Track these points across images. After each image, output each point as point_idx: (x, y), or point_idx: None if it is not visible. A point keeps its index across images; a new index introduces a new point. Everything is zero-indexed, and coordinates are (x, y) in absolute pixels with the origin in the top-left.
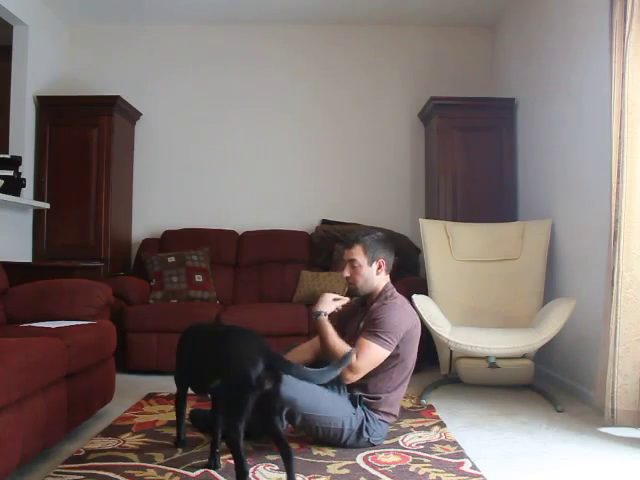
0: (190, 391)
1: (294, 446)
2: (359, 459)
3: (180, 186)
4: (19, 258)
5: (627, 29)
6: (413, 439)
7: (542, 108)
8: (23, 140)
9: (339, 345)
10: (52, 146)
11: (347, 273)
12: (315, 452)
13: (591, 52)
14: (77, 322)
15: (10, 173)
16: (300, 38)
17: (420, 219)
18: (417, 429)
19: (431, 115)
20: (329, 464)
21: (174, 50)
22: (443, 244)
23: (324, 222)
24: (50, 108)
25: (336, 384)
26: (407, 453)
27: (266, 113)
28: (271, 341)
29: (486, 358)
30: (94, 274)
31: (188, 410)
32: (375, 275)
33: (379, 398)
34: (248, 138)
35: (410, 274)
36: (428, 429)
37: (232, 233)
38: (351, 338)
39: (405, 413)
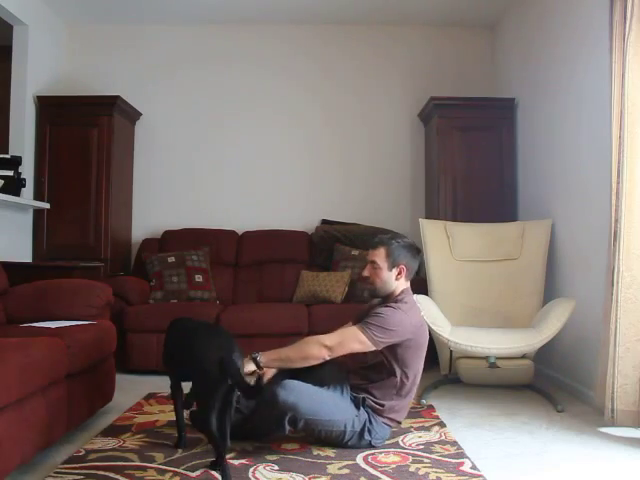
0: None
1: (294, 446)
2: (359, 459)
3: (180, 186)
4: (19, 258)
5: (627, 29)
6: (413, 439)
7: (542, 108)
8: (23, 140)
9: (296, 348)
10: (52, 146)
11: (366, 273)
12: (315, 452)
13: (591, 52)
14: (77, 322)
15: (10, 173)
16: (300, 38)
17: (420, 219)
18: (417, 429)
19: (431, 115)
20: (329, 464)
21: (174, 50)
22: (443, 244)
23: (324, 222)
24: (50, 108)
25: (339, 385)
26: (407, 453)
27: (266, 113)
28: (271, 341)
29: (486, 358)
30: (94, 274)
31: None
32: (394, 280)
33: (383, 405)
34: (248, 138)
35: None
36: (428, 429)
37: (232, 233)
38: None
39: None
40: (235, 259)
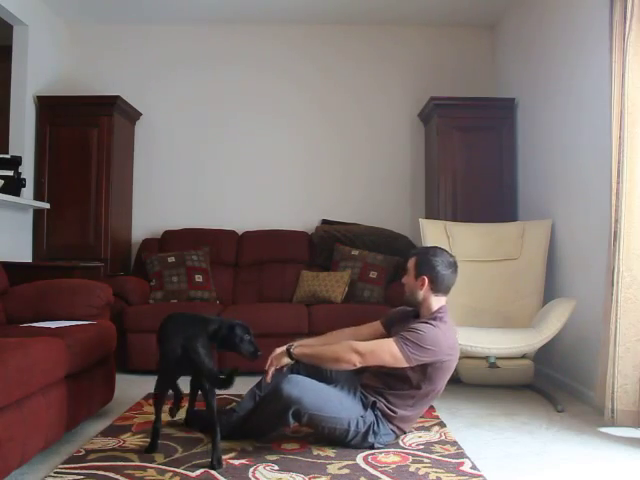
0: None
1: (294, 446)
2: (359, 459)
3: (180, 186)
4: (19, 258)
5: (627, 29)
6: (413, 439)
7: (542, 108)
8: (23, 140)
9: (329, 349)
10: (52, 146)
11: (403, 280)
12: (315, 452)
13: (591, 52)
14: (77, 322)
15: (10, 173)
16: (300, 38)
17: (420, 219)
18: (417, 429)
19: (431, 115)
20: (329, 464)
21: (174, 50)
22: (443, 244)
23: (324, 222)
24: (50, 108)
25: (347, 385)
26: (407, 453)
27: (267, 113)
28: (272, 341)
29: (486, 358)
30: (94, 274)
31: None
32: (418, 290)
33: (395, 413)
34: (248, 138)
35: None
36: (428, 429)
37: (232, 233)
38: None
39: None
40: (235, 259)
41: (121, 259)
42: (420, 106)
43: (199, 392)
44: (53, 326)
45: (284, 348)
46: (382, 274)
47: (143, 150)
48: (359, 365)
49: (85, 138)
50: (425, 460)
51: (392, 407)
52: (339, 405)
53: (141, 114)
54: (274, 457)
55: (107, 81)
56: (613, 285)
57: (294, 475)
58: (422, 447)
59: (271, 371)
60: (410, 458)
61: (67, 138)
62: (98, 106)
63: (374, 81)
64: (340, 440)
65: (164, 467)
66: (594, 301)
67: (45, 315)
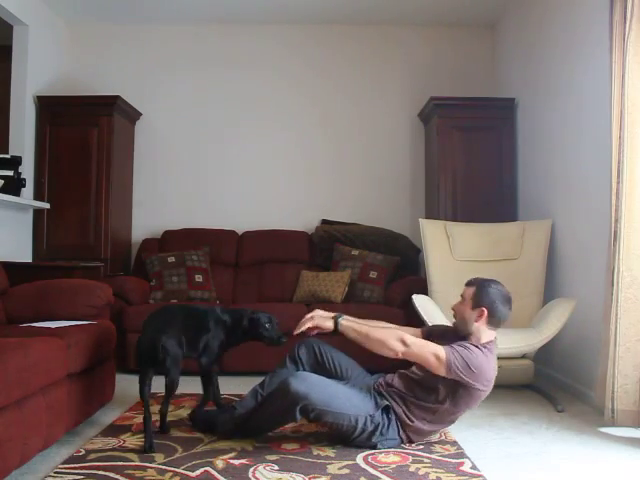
0: (190, 390)
1: (294, 446)
2: (359, 459)
3: (180, 186)
4: (19, 258)
5: (627, 29)
6: None
7: (542, 108)
8: (23, 140)
9: (377, 331)
10: (52, 146)
11: (454, 305)
12: (315, 452)
13: (591, 52)
14: (77, 322)
15: (10, 173)
16: (301, 39)
17: (420, 219)
18: None
19: (431, 115)
20: (329, 464)
21: (174, 50)
22: (443, 244)
23: (324, 222)
24: (50, 108)
25: (358, 383)
26: (407, 453)
27: (267, 113)
28: None
29: None
30: (94, 274)
31: (189, 410)
32: (473, 321)
33: (412, 422)
34: (248, 137)
35: (410, 274)
36: None
37: (232, 233)
38: None
39: None
40: (235, 259)
41: (121, 259)
42: (420, 106)
43: (211, 392)
44: (53, 326)
45: (331, 314)
46: (382, 274)
47: (143, 150)
48: (401, 356)
49: (85, 138)
50: (425, 460)
51: (410, 416)
52: (347, 402)
53: (141, 114)
54: (274, 457)
55: (107, 81)
56: (613, 285)
57: (294, 475)
58: (422, 447)
59: (307, 325)
60: (410, 458)
61: (67, 138)
62: (98, 106)
63: (374, 81)
64: (346, 436)
65: (164, 467)
66: (594, 301)
67: (45, 315)
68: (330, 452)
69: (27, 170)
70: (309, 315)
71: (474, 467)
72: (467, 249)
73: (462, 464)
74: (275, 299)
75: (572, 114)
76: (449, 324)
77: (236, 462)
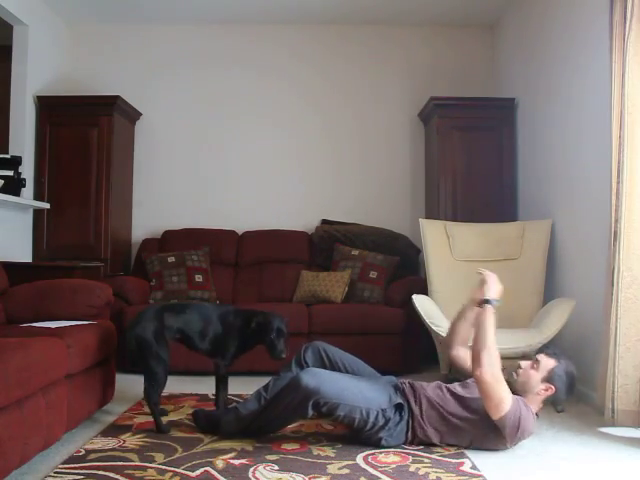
0: (190, 390)
1: (294, 446)
2: (359, 459)
3: (180, 186)
4: (19, 258)
5: (627, 29)
6: None
7: (542, 108)
8: (23, 140)
9: (491, 339)
10: (52, 146)
11: (523, 364)
12: (315, 452)
13: (591, 52)
14: (77, 322)
15: (10, 173)
16: (301, 39)
17: (420, 219)
18: None
19: (431, 115)
20: (329, 464)
21: (174, 50)
22: (443, 244)
23: (324, 222)
24: (50, 108)
25: (374, 378)
26: (407, 453)
27: (267, 113)
28: None
29: None
30: (94, 274)
31: (190, 410)
32: (535, 391)
33: (425, 426)
34: (248, 137)
35: (410, 274)
36: None
37: (232, 233)
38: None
39: None
40: (235, 259)
41: (121, 259)
42: (420, 106)
43: (222, 391)
44: (53, 326)
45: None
46: (382, 274)
47: (143, 150)
48: (478, 373)
49: (85, 138)
50: (425, 460)
51: (428, 421)
52: (359, 394)
53: (141, 114)
54: (274, 457)
55: (107, 81)
56: (613, 285)
57: (294, 475)
58: (422, 447)
59: (490, 276)
60: (410, 458)
61: (67, 138)
62: (98, 106)
63: (374, 81)
64: (357, 429)
65: (164, 467)
66: (594, 301)
67: (45, 315)
68: (330, 452)
69: (27, 170)
70: (491, 274)
71: (474, 467)
72: (467, 249)
73: (462, 464)
74: (275, 299)
75: (572, 114)
76: (448, 324)
77: (236, 462)
